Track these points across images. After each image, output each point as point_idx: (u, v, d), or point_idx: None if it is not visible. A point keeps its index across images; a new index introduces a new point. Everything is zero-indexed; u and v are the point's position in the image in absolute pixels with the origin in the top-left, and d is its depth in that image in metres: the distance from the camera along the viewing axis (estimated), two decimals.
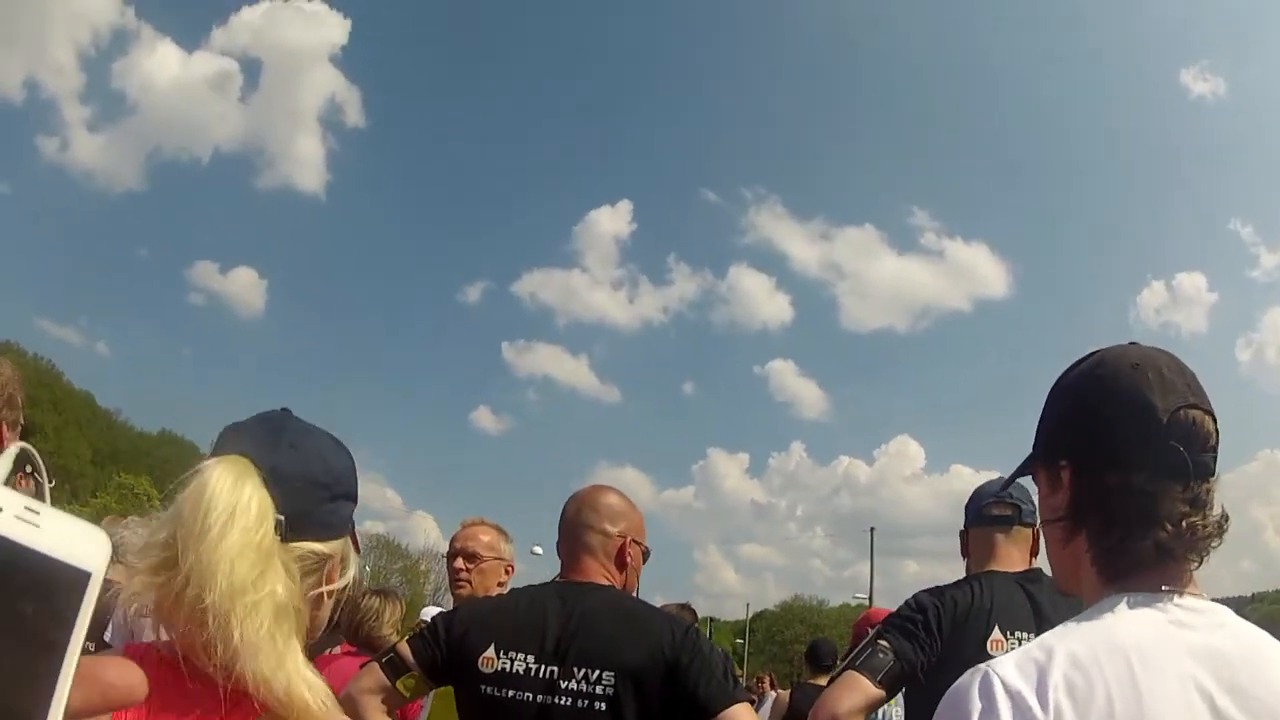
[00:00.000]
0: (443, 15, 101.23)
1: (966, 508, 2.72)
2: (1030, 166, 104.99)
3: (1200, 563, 1.14)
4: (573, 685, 2.11)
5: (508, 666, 2.16)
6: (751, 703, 2.20)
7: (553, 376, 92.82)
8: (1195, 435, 1.14)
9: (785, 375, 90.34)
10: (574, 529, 2.40)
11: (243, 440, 1.17)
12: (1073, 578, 1.23)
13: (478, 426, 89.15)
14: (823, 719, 2.21)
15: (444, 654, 2.22)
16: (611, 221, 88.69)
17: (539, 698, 2.11)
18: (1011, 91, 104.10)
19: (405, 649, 2.26)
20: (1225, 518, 1.14)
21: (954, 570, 2.74)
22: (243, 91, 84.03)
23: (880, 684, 2.25)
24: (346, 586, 1.25)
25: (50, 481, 4.72)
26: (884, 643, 2.32)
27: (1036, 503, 1.37)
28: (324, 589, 1.20)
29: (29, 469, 4.68)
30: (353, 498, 1.28)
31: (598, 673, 2.11)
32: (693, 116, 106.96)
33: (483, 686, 2.16)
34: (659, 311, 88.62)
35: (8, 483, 4.41)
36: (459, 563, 3.29)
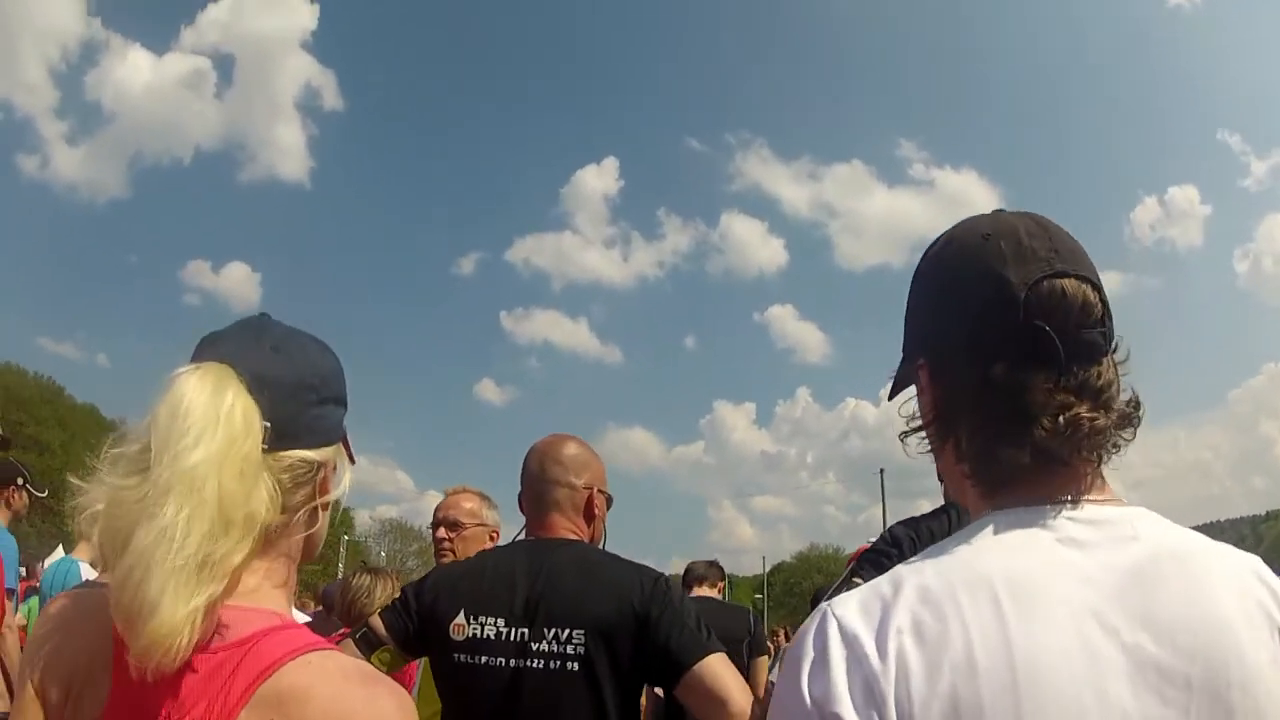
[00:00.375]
0: None
1: None
2: (1013, 89, 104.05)
3: (1100, 461, 0.96)
4: (544, 646, 2.07)
5: (478, 632, 2.12)
6: (767, 653, 2.10)
7: (553, 342, 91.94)
8: (1065, 309, 0.94)
9: (785, 321, 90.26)
10: (539, 484, 2.35)
11: (221, 346, 1.09)
12: (961, 495, 1.03)
13: (482, 399, 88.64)
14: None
15: (415, 624, 2.19)
16: (599, 180, 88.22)
17: (511, 661, 2.08)
18: (988, 13, 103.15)
19: (377, 622, 2.22)
20: (1135, 404, 0.97)
21: None
22: (218, 88, 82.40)
23: None
24: (342, 497, 1.17)
25: (42, 492, 4.93)
26: (858, 580, 2.19)
27: None
28: (319, 500, 1.12)
29: (21, 481, 4.91)
30: (342, 402, 1.20)
31: (567, 631, 2.07)
32: (670, 66, 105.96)
33: (455, 655, 2.12)
34: (654, 266, 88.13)
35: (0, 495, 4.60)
36: (441, 532, 3.28)
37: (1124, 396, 0.97)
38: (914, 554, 2.27)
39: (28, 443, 39.29)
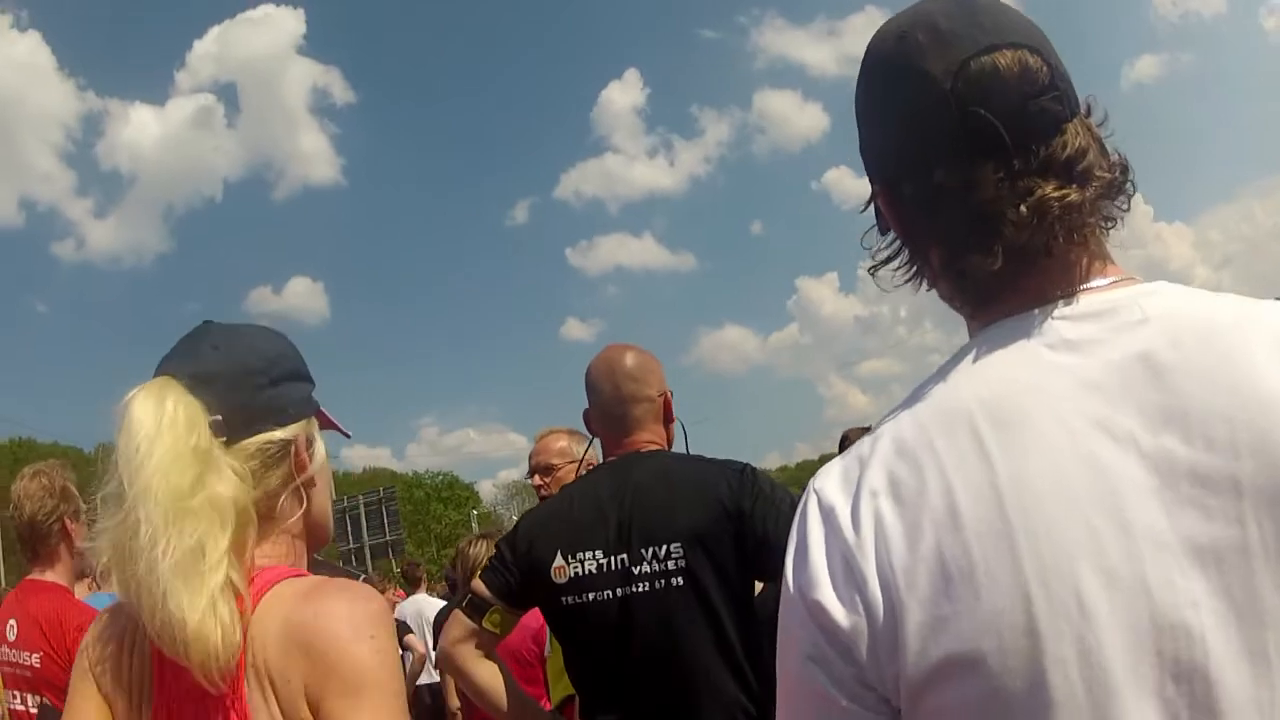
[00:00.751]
0: None
1: None
2: None
3: (1092, 242, 0.83)
4: (645, 568, 2.03)
5: (579, 570, 2.08)
6: None
7: (624, 265, 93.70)
8: (1001, 87, 0.81)
9: (843, 181, 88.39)
10: (617, 404, 2.26)
11: (167, 361, 1.16)
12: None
13: (572, 339, 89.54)
14: None
15: (517, 577, 2.14)
16: (624, 94, 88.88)
17: (618, 591, 2.05)
18: None
19: (479, 585, 2.17)
20: (1122, 168, 0.84)
21: None
22: (228, 118, 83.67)
23: None
24: (329, 475, 1.22)
25: None
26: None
27: None
28: (299, 479, 1.17)
29: None
30: (300, 377, 1.23)
31: (665, 547, 2.03)
32: None
33: (562, 598, 2.09)
34: (702, 164, 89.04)
35: None
36: (536, 479, 3.26)
37: (1099, 168, 0.82)
38: None
39: None
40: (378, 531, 28.72)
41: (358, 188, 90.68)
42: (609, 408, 2.28)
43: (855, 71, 0.92)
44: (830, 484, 0.81)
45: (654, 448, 2.26)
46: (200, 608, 0.98)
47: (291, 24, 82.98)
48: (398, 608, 7.59)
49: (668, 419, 2.32)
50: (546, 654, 3.36)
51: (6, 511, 2.68)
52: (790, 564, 0.81)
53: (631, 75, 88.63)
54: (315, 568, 1.23)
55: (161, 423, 1.05)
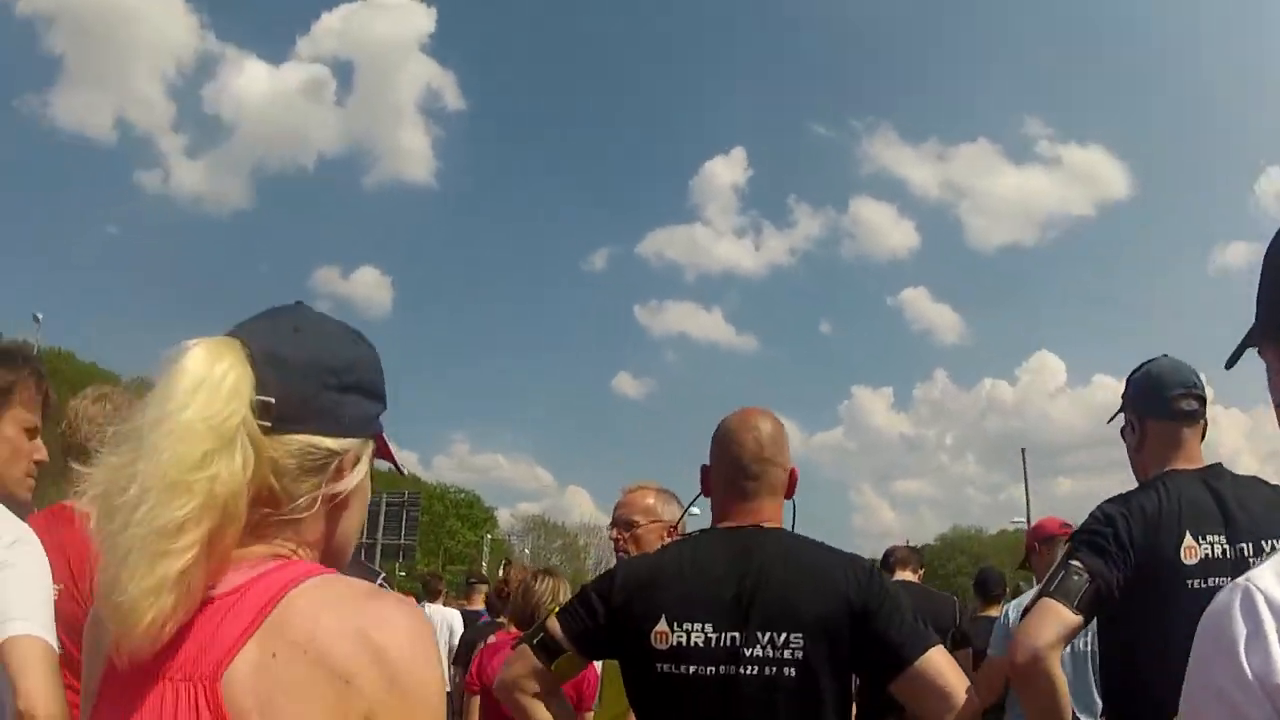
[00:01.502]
0: None
1: (1139, 396, 2.49)
2: (1135, 61, 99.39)
3: None
4: (758, 652, 1.92)
5: (684, 640, 1.95)
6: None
7: (688, 333, 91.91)
8: None
9: (919, 302, 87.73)
10: (757, 465, 2.12)
11: (241, 327, 1.07)
12: None
13: (620, 393, 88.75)
14: (1025, 655, 2.05)
15: (603, 627, 2.04)
16: (727, 170, 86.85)
17: (721, 669, 1.92)
18: None
19: (555, 625, 2.07)
20: None
21: (1109, 484, 2.61)
22: (338, 95, 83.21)
23: (1078, 609, 2.08)
24: (365, 504, 1.13)
25: None
26: (1076, 563, 2.14)
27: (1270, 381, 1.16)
28: (323, 490, 1.05)
29: None
30: (373, 395, 1.13)
31: (784, 635, 1.91)
32: (793, 50, 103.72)
33: (659, 665, 1.96)
34: (786, 254, 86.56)
35: None
36: (615, 532, 3.16)
37: None
38: (1128, 531, 2.18)
39: None
40: (393, 533, 28.60)
41: (447, 194, 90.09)
42: (739, 470, 2.13)
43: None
44: (1273, 585, 0.92)
45: (773, 525, 2.12)
46: (146, 587, 0.91)
47: (422, 20, 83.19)
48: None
49: (790, 494, 2.20)
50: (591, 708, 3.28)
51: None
52: (1242, 652, 0.90)
53: (738, 154, 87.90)
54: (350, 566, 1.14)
55: (205, 381, 0.97)
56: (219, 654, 0.93)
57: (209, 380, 0.97)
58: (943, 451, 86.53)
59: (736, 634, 1.93)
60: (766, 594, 1.95)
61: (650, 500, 3.14)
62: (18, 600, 1.77)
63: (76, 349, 43.61)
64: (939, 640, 1.96)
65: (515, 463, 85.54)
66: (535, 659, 2.05)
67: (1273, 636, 0.90)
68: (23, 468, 2.04)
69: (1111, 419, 2.59)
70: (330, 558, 1.09)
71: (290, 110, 77.51)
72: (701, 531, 2.20)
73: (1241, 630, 0.92)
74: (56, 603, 2.27)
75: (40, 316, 29.34)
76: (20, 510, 2.04)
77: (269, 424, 1.00)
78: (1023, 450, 40.88)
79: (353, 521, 1.13)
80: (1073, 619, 2.07)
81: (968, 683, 1.92)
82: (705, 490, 2.24)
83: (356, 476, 1.09)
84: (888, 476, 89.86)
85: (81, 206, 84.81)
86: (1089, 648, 3.61)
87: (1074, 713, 2.39)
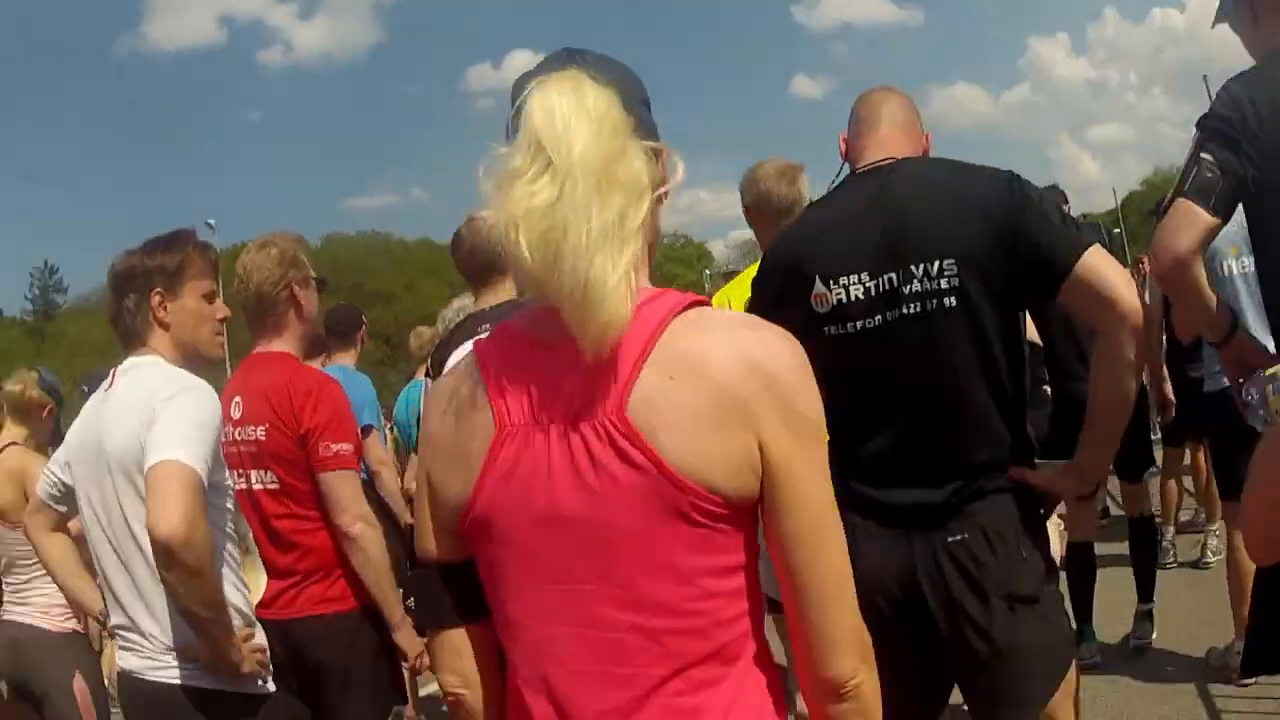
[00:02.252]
0: None
1: None
2: None
3: None
4: (914, 287, 1.86)
5: (843, 296, 1.91)
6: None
7: (850, 21, 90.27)
8: None
9: None
10: (883, 109, 2.10)
11: (545, 67, 1.08)
12: None
13: (801, 96, 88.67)
14: (1165, 260, 1.95)
15: (770, 309, 1.87)
16: None
17: (888, 314, 1.88)
18: None
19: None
20: None
21: None
22: None
23: (1214, 210, 1.91)
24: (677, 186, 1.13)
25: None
26: (1206, 156, 1.93)
27: None
28: (664, 189, 1.09)
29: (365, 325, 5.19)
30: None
31: (937, 264, 1.84)
32: None
33: (825, 328, 1.91)
34: None
35: (349, 343, 4.96)
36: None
37: None
38: (1255, 115, 1.96)
39: (372, 299, 40.51)
40: None
41: None
42: (869, 109, 2.12)
43: None
44: None
45: (907, 155, 2.03)
46: (619, 273, 0.96)
47: None
48: None
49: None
50: None
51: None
52: None
53: None
54: None
55: (586, 108, 1.00)
56: (621, 382, 0.98)
57: (586, 106, 1.00)
58: (1129, 90, 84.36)
59: (893, 275, 1.87)
60: (912, 226, 1.88)
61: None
62: (164, 434, 1.91)
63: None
64: (1093, 240, 1.84)
65: (717, 193, 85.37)
66: None
67: None
68: (209, 329, 2.21)
69: (1216, 22, 2.25)
70: (651, 249, 1.12)
71: None
72: (845, 180, 2.11)
73: None
74: (265, 438, 2.52)
75: (213, 223, 30.90)
76: (214, 369, 2.28)
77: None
78: (1204, 78, 35.74)
79: (660, 215, 1.15)
80: (1209, 220, 1.91)
81: (1132, 282, 1.83)
82: (845, 156, 2.16)
83: (679, 174, 1.11)
84: (1081, 125, 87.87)
85: (219, 108, 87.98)
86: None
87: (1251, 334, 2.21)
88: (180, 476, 1.86)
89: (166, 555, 1.81)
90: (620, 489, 0.97)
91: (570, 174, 0.96)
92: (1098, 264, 1.79)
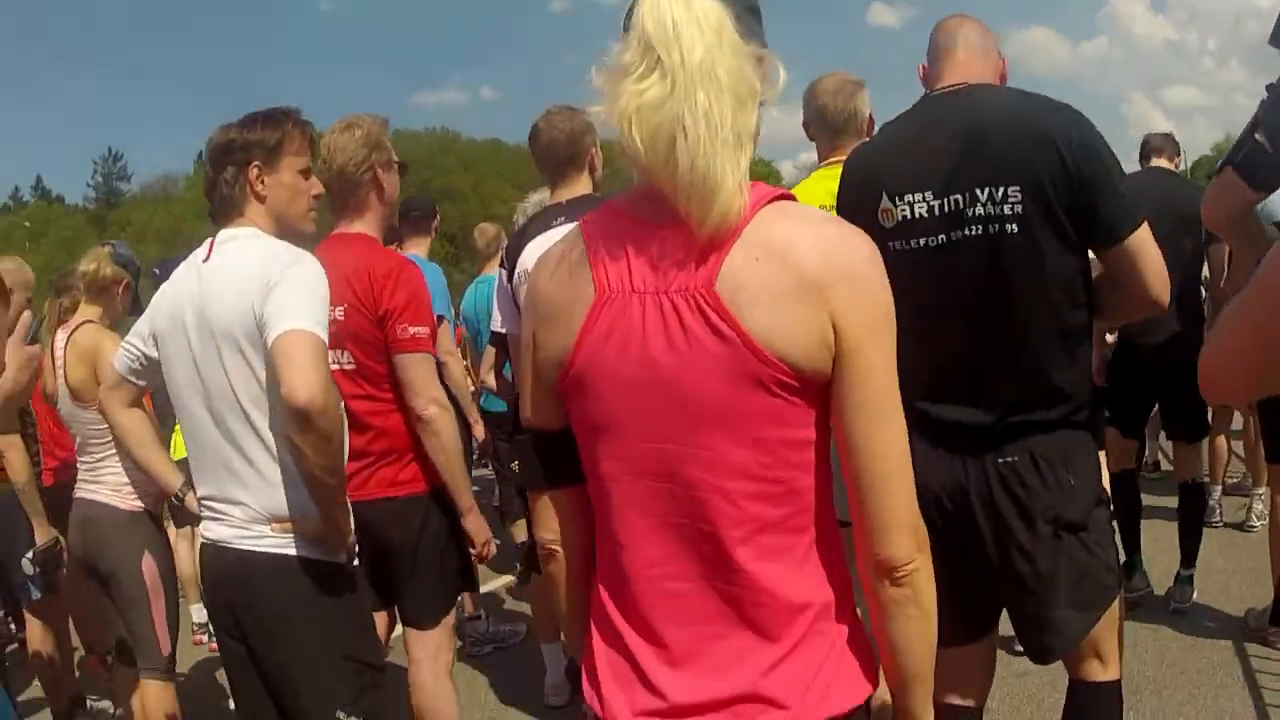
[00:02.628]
0: None
1: None
2: None
3: None
4: (979, 210, 1.87)
5: (908, 213, 1.93)
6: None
7: None
8: None
9: None
10: (958, 35, 2.11)
11: None
12: None
13: (878, 24, 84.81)
14: (1208, 222, 2.12)
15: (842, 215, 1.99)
16: None
17: (952, 234, 1.89)
18: None
19: None
20: None
21: None
22: None
23: (1257, 186, 1.92)
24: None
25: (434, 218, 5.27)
26: (1258, 136, 1.92)
27: None
28: (765, 95, 1.11)
29: (434, 224, 5.20)
30: None
31: (1002, 190, 1.85)
32: None
33: (889, 244, 1.89)
34: None
35: (422, 231, 4.98)
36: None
37: None
38: None
39: (438, 196, 38.23)
40: None
41: None
42: (945, 36, 2.13)
43: None
44: None
45: (982, 81, 2.04)
46: (737, 177, 1.03)
47: None
48: None
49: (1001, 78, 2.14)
50: None
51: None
52: None
53: None
54: None
55: (697, 15, 1.03)
56: (712, 260, 1.04)
57: (697, 13, 1.03)
58: (1206, 56, 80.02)
59: (959, 196, 1.88)
60: (980, 152, 1.88)
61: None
62: (287, 304, 1.92)
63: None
64: (1145, 218, 1.90)
65: (789, 113, 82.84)
66: None
67: None
68: (304, 204, 2.23)
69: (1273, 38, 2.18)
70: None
71: None
72: (918, 103, 2.12)
73: None
74: (344, 318, 2.51)
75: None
76: (306, 242, 2.26)
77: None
78: None
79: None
80: (1251, 195, 1.94)
81: (1166, 277, 1.91)
82: (924, 83, 2.17)
83: (778, 85, 1.13)
84: (1157, 84, 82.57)
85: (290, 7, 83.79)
86: None
87: None
88: (312, 344, 1.89)
89: (305, 421, 1.85)
90: (707, 355, 1.03)
91: (675, 74, 1.01)
92: (1143, 246, 1.88)
